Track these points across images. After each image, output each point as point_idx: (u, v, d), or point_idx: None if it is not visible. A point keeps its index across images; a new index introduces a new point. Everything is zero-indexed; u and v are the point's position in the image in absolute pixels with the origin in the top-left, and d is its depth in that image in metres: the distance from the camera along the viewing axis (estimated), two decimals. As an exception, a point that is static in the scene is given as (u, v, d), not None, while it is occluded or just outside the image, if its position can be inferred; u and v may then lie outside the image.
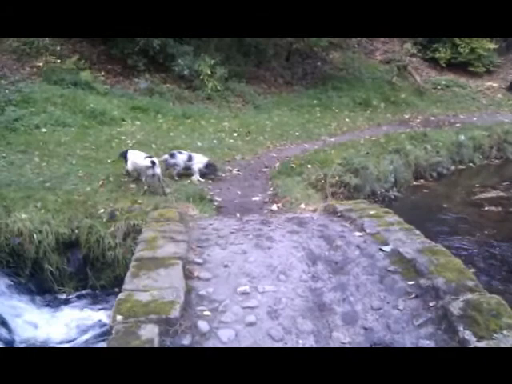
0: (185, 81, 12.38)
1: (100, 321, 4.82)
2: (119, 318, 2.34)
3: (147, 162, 6.11)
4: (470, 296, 2.63)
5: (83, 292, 5.35)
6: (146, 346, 2.17)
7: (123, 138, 8.72)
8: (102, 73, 11.63)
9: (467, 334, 2.36)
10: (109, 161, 7.33)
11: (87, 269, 5.37)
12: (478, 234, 7.51)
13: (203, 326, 2.47)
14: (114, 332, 2.26)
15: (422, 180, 10.18)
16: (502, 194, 9.69)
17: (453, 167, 11.14)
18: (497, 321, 2.45)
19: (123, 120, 9.91)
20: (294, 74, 15.10)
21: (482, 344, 2.27)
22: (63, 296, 5.24)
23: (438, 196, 9.54)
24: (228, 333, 2.46)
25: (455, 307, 2.53)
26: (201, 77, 12.05)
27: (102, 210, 5.57)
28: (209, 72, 12.10)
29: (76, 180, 6.32)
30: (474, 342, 2.30)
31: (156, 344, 2.19)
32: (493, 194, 9.71)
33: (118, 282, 5.23)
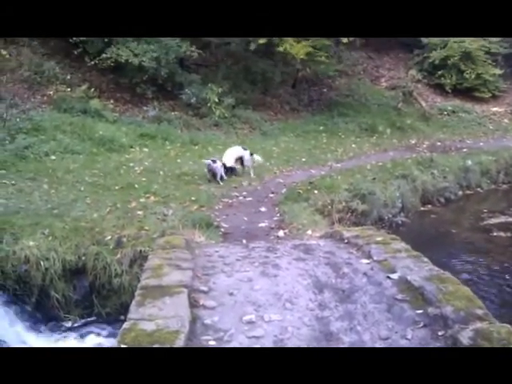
0: (192, 108, 12.59)
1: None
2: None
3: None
4: (479, 325, 2.58)
5: (89, 319, 5.34)
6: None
7: (131, 164, 8.83)
8: (111, 101, 11.87)
9: (477, 365, 2.31)
10: (116, 187, 7.40)
11: (93, 296, 5.37)
12: (486, 260, 7.43)
13: (208, 356, 2.45)
14: (118, 362, 2.24)
15: (429, 205, 10.15)
16: (510, 219, 9.63)
17: (460, 192, 11.11)
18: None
19: (131, 147, 10.06)
20: (301, 101, 15.29)
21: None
22: (69, 324, 5.24)
23: (446, 221, 9.49)
24: (233, 363, 2.42)
25: (464, 336, 2.48)
26: (208, 104, 12.24)
27: (109, 237, 5.61)
28: (216, 100, 12.29)
29: (84, 207, 6.37)
30: (484, 374, 2.24)
31: (160, 375, 2.16)
32: (501, 219, 9.65)
33: (124, 309, 5.20)
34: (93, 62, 11.28)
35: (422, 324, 2.73)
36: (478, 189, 11.54)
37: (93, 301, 5.35)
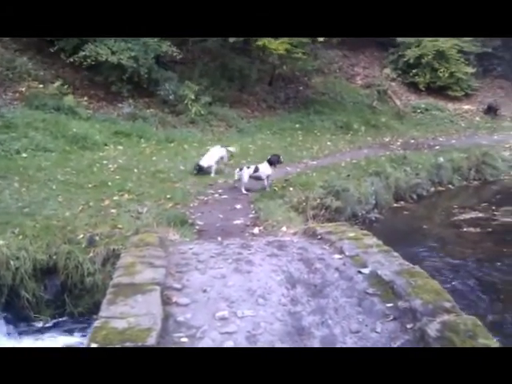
0: (168, 105, 12.49)
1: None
2: (94, 346, 2.30)
3: None
4: (446, 317, 2.65)
5: (60, 319, 5.25)
6: (121, 374, 2.13)
7: (105, 162, 8.71)
8: (85, 98, 11.68)
9: (444, 356, 2.37)
10: (90, 186, 7.29)
11: (65, 296, 5.28)
12: (456, 254, 7.60)
13: (180, 352, 2.45)
14: (88, 361, 2.22)
15: (402, 202, 10.31)
16: (480, 214, 9.84)
17: (432, 189, 11.32)
18: (473, 342, 2.47)
19: (105, 145, 9.92)
20: (277, 99, 15.35)
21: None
22: (40, 324, 5.13)
23: (418, 217, 9.66)
24: (205, 359, 2.43)
25: (432, 329, 2.55)
26: (185, 102, 12.16)
27: (82, 236, 5.52)
28: (193, 97, 12.23)
29: (55, 205, 6.25)
30: (450, 364, 2.31)
31: (131, 372, 2.15)
32: (471, 214, 9.86)
33: (97, 308, 5.11)
34: (71, 60, 11.06)
35: (391, 317, 2.79)
36: (450, 185, 11.77)
37: (65, 300, 5.25)
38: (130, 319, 2.51)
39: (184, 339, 2.55)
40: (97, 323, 2.50)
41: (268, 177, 7.83)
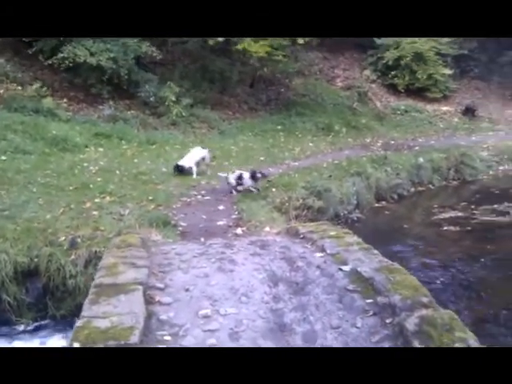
0: (149, 107, 12.44)
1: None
2: (76, 345, 2.30)
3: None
4: (424, 312, 2.72)
5: (42, 322, 5.19)
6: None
7: (86, 164, 8.63)
8: (65, 100, 11.56)
9: (422, 349, 2.44)
10: (70, 188, 7.22)
11: (47, 298, 5.22)
12: (436, 253, 7.73)
13: (163, 351, 2.46)
14: (70, 360, 2.22)
15: (383, 202, 10.43)
16: (459, 214, 10.01)
17: (412, 189, 11.49)
18: (450, 335, 2.54)
19: (86, 147, 9.83)
20: (258, 100, 15.41)
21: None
22: (21, 327, 5.07)
23: (399, 217, 9.80)
24: (188, 357, 2.45)
25: (410, 323, 2.62)
26: (166, 103, 12.13)
27: (63, 238, 5.47)
28: (174, 99, 12.20)
29: (36, 208, 6.18)
30: (428, 356, 2.38)
31: (114, 371, 2.16)
32: (451, 214, 10.03)
33: (79, 310, 5.10)
34: (49, 62, 10.93)
35: (371, 312, 2.85)
36: (430, 185, 11.95)
37: (46, 303, 5.20)
38: (112, 318, 2.52)
39: (167, 337, 2.57)
40: (79, 323, 2.50)
41: (249, 186, 7.79)
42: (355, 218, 9.00)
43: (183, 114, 12.43)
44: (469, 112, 18.43)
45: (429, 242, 8.38)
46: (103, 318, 2.52)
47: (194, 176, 8.66)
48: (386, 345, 2.59)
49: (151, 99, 12.24)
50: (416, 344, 2.47)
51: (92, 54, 10.86)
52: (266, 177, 7.90)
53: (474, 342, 2.49)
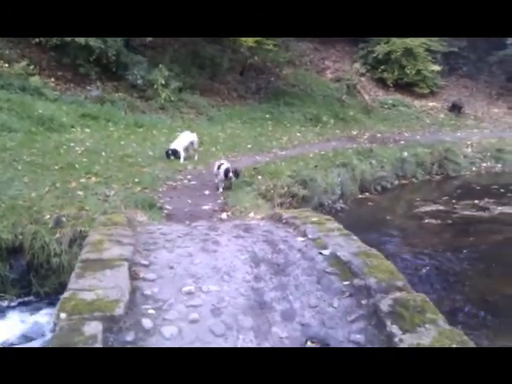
0: (137, 90, 12.38)
1: (42, 327, 4.73)
2: (63, 315, 2.37)
3: None
4: (398, 294, 2.85)
5: (26, 299, 5.23)
6: (90, 341, 2.22)
7: (72, 144, 8.61)
8: (52, 79, 11.44)
9: (394, 328, 2.57)
10: (56, 167, 7.21)
11: (31, 275, 5.26)
12: (417, 244, 7.93)
13: (147, 323, 2.55)
14: (57, 329, 2.29)
15: (367, 193, 10.62)
16: (441, 207, 10.24)
17: (396, 182, 11.70)
18: (421, 316, 2.67)
19: (72, 127, 9.79)
20: (248, 88, 15.43)
21: (406, 336, 2.48)
22: (5, 303, 5.11)
23: (382, 209, 9.98)
24: (171, 329, 2.54)
25: (384, 304, 2.74)
26: (154, 86, 12.08)
27: (48, 216, 5.49)
28: (163, 82, 12.15)
29: (21, 186, 6.17)
30: (399, 335, 2.51)
31: (99, 340, 2.25)
32: (433, 207, 10.26)
33: (63, 288, 5.15)
34: (37, 39, 10.78)
35: (347, 294, 2.97)
36: (413, 179, 12.19)
37: (30, 280, 5.23)
38: (98, 291, 2.59)
39: (151, 311, 2.66)
40: (65, 294, 2.56)
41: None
42: (339, 208, 9.15)
43: (172, 98, 12.40)
44: (455, 109, 18.71)
45: (410, 234, 8.59)
46: (89, 291, 2.59)
47: (181, 161, 8.69)
48: (361, 324, 2.71)
49: (139, 82, 12.19)
50: (388, 323, 2.60)
51: (80, 33, 10.73)
52: (238, 175, 7.35)
53: (443, 323, 2.62)
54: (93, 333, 2.28)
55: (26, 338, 4.64)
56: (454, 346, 2.40)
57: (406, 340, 2.44)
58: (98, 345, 2.22)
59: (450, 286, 6.52)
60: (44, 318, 4.96)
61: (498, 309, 5.73)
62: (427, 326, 2.58)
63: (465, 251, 7.60)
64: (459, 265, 7.15)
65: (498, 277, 6.69)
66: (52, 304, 5.04)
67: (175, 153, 8.63)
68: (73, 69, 11.71)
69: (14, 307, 5.10)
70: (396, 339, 2.48)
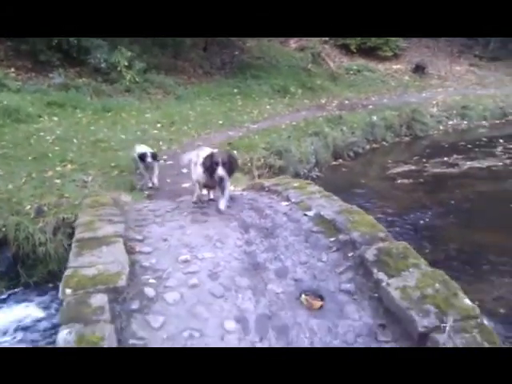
0: (101, 74, 12.12)
1: (34, 316, 4.77)
2: (68, 291, 2.46)
3: None
4: (381, 244, 3.04)
5: (16, 290, 5.24)
6: (98, 312, 2.33)
7: (42, 134, 8.45)
8: (12, 69, 11.07)
9: (380, 275, 2.76)
10: (29, 158, 7.11)
11: (18, 267, 5.26)
12: (391, 203, 8.22)
13: (149, 291, 2.67)
14: (65, 304, 2.39)
15: (340, 160, 10.83)
16: (412, 167, 10.59)
17: (368, 146, 11.95)
18: (404, 261, 2.87)
19: (40, 116, 9.57)
20: (213, 64, 15.29)
21: (392, 281, 2.67)
22: (-5, 296, 5.11)
23: (356, 173, 10.23)
24: (173, 295, 2.67)
25: (369, 254, 2.93)
26: (118, 69, 11.87)
27: (29, 207, 5.47)
28: (126, 63, 11.95)
29: (-4, 179, 6.10)
30: (386, 280, 2.70)
31: (107, 310, 2.35)
32: (404, 168, 10.59)
33: (52, 277, 5.20)
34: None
35: (334, 248, 3.15)
36: (384, 142, 12.46)
37: (18, 272, 5.24)
38: (98, 267, 2.68)
39: (152, 280, 2.77)
40: (67, 272, 2.64)
41: None
42: (315, 176, 9.33)
43: (137, 79, 12.22)
44: (419, 70, 19.02)
45: (384, 194, 8.87)
46: (89, 267, 2.68)
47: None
48: (349, 274, 2.90)
49: (102, 65, 11.93)
50: (375, 271, 2.79)
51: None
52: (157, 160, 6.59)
53: (425, 266, 2.83)
54: (99, 304, 2.38)
55: (21, 327, 4.68)
56: (437, 285, 2.62)
57: (393, 284, 2.64)
58: (107, 315, 2.33)
59: (425, 239, 6.83)
60: (36, 307, 5.01)
61: (472, 257, 6.07)
62: (411, 269, 2.78)
63: (437, 206, 7.94)
64: (432, 219, 7.47)
65: (471, 228, 7.04)
66: (42, 293, 5.10)
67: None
68: (33, 57, 11.36)
69: (4, 300, 5.12)
70: (383, 284, 2.68)
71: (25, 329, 4.64)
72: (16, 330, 4.60)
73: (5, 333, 4.56)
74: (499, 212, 7.64)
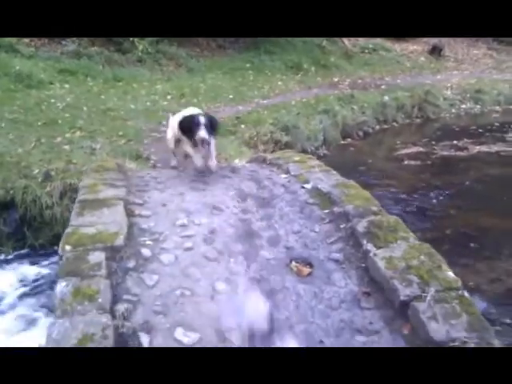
0: (114, 43, 12.13)
1: (39, 275, 4.95)
2: (68, 247, 2.59)
3: None
4: (373, 217, 3.12)
5: (22, 252, 5.41)
6: (95, 268, 2.46)
7: (53, 101, 8.56)
8: (25, 35, 11.14)
9: (369, 246, 2.85)
10: (39, 124, 7.24)
11: (25, 229, 5.42)
12: (397, 184, 8.23)
13: (146, 252, 2.79)
14: (64, 259, 2.52)
15: (349, 139, 10.79)
16: (421, 149, 10.51)
17: (378, 126, 11.86)
18: (394, 234, 2.95)
19: (51, 83, 9.67)
20: (227, 38, 15.15)
21: (380, 251, 2.76)
22: (1, 256, 5.29)
23: (364, 153, 10.19)
24: (168, 257, 2.80)
25: (360, 226, 3.01)
26: (131, 39, 11.86)
27: (37, 171, 5.60)
28: (139, 34, 11.93)
29: (6, 142, 6.23)
30: (373, 251, 2.79)
31: (104, 266, 2.48)
32: (413, 149, 10.52)
33: (57, 240, 5.34)
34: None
35: (327, 220, 3.24)
36: (394, 123, 12.34)
37: (25, 233, 5.39)
38: (98, 226, 2.80)
39: (148, 242, 2.89)
40: (68, 230, 2.77)
41: None
42: (322, 154, 9.33)
43: (149, 50, 12.22)
44: (435, 51, 18.67)
45: (390, 175, 8.86)
46: (89, 227, 2.80)
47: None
48: (340, 244, 2.99)
49: (115, 34, 11.94)
50: (364, 242, 2.88)
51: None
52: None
53: (413, 239, 2.90)
54: (97, 261, 2.51)
55: (24, 283, 4.85)
56: (422, 257, 2.70)
57: (380, 254, 2.73)
58: (103, 271, 2.46)
59: (428, 219, 6.87)
60: (41, 268, 5.18)
61: (474, 239, 6.10)
62: (399, 242, 2.86)
63: (443, 188, 7.92)
64: (437, 200, 7.49)
65: (476, 211, 7.04)
66: (48, 255, 5.27)
67: None
68: (46, 23, 11.39)
69: (11, 260, 5.29)
70: (371, 254, 2.77)
71: (28, 284, 4.83)
72: (20, 285, 4.79)
73: (11, 285, 4.76)
74: (506, 197, 7.62)
